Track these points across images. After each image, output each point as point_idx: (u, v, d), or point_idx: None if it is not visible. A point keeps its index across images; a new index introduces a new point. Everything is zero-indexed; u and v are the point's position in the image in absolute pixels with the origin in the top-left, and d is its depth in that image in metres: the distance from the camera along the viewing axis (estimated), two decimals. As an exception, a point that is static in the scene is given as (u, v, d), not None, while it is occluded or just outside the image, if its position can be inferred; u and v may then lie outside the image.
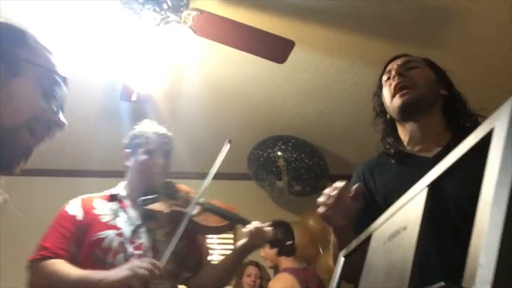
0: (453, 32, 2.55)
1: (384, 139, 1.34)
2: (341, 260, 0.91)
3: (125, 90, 2.49)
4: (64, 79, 0.77)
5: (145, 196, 1.58)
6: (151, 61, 2.18)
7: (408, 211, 0.69)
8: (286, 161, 3.48)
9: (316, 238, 3.68)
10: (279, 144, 3.51)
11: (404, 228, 0.67)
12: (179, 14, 2.11)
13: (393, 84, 1.24)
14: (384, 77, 1.33)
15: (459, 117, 1.23)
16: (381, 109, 1.35)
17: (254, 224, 1.56)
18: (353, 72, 2.91)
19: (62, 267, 1.40)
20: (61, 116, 0.77)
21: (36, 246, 1.49)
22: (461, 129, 1.19)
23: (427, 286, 0.45)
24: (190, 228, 1.57)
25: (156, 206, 1.56)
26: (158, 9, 2.08)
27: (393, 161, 1.26)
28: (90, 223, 1.52)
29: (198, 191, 1.63)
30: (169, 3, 2.07)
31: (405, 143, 1.28)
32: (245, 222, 1.59)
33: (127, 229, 1.52)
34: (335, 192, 1.22)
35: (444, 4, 2.35)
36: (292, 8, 2.34)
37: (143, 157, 1.63)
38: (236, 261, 1.59)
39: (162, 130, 1.72)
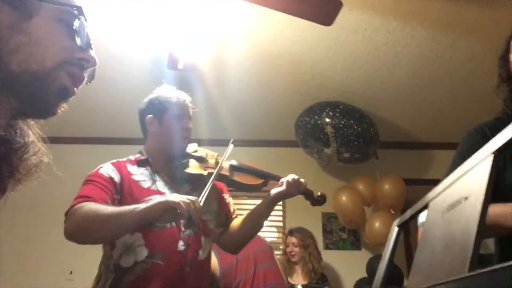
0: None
1: (509, 101, 1.29)
2: (395, 229, 0.88)
3: (172, 59, 2.50)
4: (80, 10, 0.69)
5: (173, 160, 1.60)
6: (198, 29, 2.16)
7: (470, 180, 0.64)
8: (334, 128, 3.40)
9: (365, 203, 3.63)
10: (327, 110, 3.43)
11: (466, 198, 0.62)
12: (223, -21, 2.06)
13: None
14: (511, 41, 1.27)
15: None
16: (508, 75, 1.29)
17: (291, 176, 1.58)
18: (405, 33, 2.75)
19: (98, 204, 1.38)
20: (90, 52, 0.72)
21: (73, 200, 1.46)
22: None
23: (496, 265, 0.42)
24: (217, 187, 1.66)
25: (192, 170, 1.58)
26: (202, -25, 2.04)
27: None
28: (132, 187, 1.51)
29: (226, 154, 1.66)
30: (213, -32, 2.03)
31: None
32: (277, 178, 1.62)
33: (168, 193, 1.51)
34: None
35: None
36: (340, -34, 2.22)
37: (169, 121, 1.62)
38: (268, 208, 1.60)
39: (184, 94, 1.71)
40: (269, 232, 4.06)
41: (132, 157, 1.63)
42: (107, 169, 1.53)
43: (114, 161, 1.60)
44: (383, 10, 2.55)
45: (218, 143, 3.54)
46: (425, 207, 0.77)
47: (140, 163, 1.60)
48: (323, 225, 3.98)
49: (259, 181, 1.62)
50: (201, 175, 1.56)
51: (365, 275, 3.26)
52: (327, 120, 3.41)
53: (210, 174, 1.55)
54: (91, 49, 0.72)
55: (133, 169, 1.57)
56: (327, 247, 3.91)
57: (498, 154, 0.60)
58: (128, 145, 4.07)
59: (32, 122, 0.71)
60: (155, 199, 1.39)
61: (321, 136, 3.46)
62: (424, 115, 3.69)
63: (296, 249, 3.34)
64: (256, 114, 3.81)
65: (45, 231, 3.70)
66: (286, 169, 1.87)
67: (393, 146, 4.09)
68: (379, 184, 3.61)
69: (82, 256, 3.63)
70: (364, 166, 3.80)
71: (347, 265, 3.79)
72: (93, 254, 3.56)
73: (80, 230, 1.35)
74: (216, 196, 1.66)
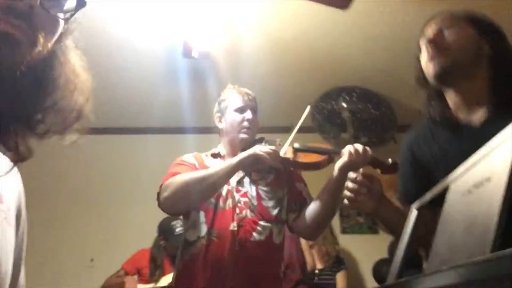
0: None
1: (429, 105, 1.27)
2: (414, 212, 0.87)
3: (187, 47, 2.50)
4: None
5: (242, 151, 1.67)
6: (211, 17, 2.16)
7: (492, 161, 0.63)
8: (351, 112, 3.37)
9: (384, 188, 3.59)
10: (343, 95, 3.40)
11: (488, 180, 0.61)
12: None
13: (427, 51, 1.19)
14: (422, 41, 1.25)
15: (504, 76, 1.12)
16: (422, 75, 1.27)
17: (353, 146, 1.57)
18: (425, 13, 2.65)
19: (190, 172, 1.58)
20: None
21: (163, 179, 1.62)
22: (506, 88, 1.10)
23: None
24: (288, 175, 1.74)
25: None
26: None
27: (439, 129, 1.21)
28: None
29: (297, 125, 1.80)
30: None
31: (452, 109, 1.21)
32: (339, 153, 1.61)
33: (233, 180, 1.64)
34: (362, 179, 1.21)
35: None
36: None
37: (232, 115, 1.76)
38: (336, 183, 1.57)
39: (245, 90, 1.84)
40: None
41: (208, 153, 1.81)
42: (188, 157, 1.73)
43: (194, 153, 1.78)
44: (400, -9, 2.50)
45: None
46: (446, 189, 0.76)
47: (213, 155, 1.79)
48: (340, 209, 3.97)
49: (322, 158, 1.64)
50: (257, 167, 1.62)
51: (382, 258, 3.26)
52: (344, 105, 3.38)
53: (265, 164, 1.61)
54: None
55: (207, 160, 1.75)
56: (344, 231, 3.90)
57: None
58: (142, 134, 4.12)
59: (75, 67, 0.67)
60: (222, 188, 1.62)
61: (338, 121, 3.44)
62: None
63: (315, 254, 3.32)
64: (272, 101, 3.79)
65: (66, 218, 3.79)
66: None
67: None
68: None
69: (103, 243, 3.73)
70: (382, 151, 3.76)
71: (364, 249, 3.79)
72: (113, 242, 3.63)
73: (182, 195, 1.52)
74: (285, 183, 1.73)
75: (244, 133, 1.74)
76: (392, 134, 3.60)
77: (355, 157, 1.51)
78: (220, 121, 1.82)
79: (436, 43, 1.17)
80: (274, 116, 4.05)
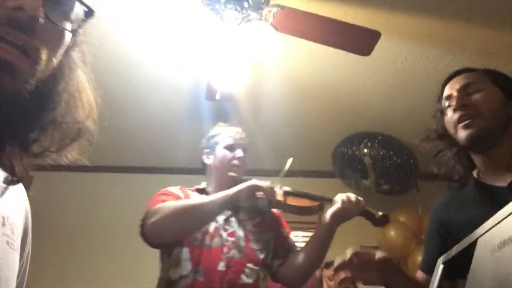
0: None
1: (455, 168, 1.22)
2: (440, 267, 0.83)
3: (210, 90, 2.55)
4: None
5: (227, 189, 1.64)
6: (234, 59, 2.21)
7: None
8: (373, 159, 3.32)
9: (407, 237, 3.47)
10: (365, 141, 3.37)
11: (520, 235, 0.58)
12: (260, 11, 2.10)
13: (455, 116, 1.13)
14: (445, 103, 1.21)
15: None
16: (444, 133, 1.22)
17: (345, 194, 1.54)
18: (446, 62, 2.69)
19: (181, 201, 1.53)
20: None
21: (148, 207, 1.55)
22: None
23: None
24: (274, 219, 1.68)
25: None
26: (239, 8, 2.09)
27: (467, 192, 1.16)
28: None
29: (282, 172, 1.76)
30: (250, 2, 2.07)
31: (478, 171, 1.16)
32: (330, 200, 1.60)
33: (220, 218, 1.59)
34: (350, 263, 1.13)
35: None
36: (377, -3, 2.22)
37: (222, 151, 1.73)
38: (327, 232, 1.54)
39: (236, 128, 1.81)
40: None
41: (194, 187, 1.77)
42: (174, 189, 1.67)
43: (178, 186, 1.73)
44: (422, 39, 2.52)
45: (255, 173, 3.54)
46: (474, 243, 0.72)
47: (198, 191, 1.74)
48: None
49: (314, 204, 1.61)
50: (254, 200, 1.57)
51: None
52: (366, 150, 3.35)
53: (262, 198, 1.57)
54: None
55: (192, 194, 1.70)
56: (365, 282, 3.75)
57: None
58: (164, 174, 4.14)
59: (82, 84, 0.63)
60: (209, 224, 1.55)
61: (359, 167, 3.39)
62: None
63: (332, 284, 3.21)
64: (293, 144, 3.79)
65: (81, 260, 3.76)
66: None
67: (434, 177, 3.93)
68: (423, 217, 3.45)
69: (118, 283, 3.67)
70: (404, 198, 3.67)
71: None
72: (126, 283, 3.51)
73: (173, 221, 1.46)
74: (272, 227, 1.68)
75: (234, 171, 1.70)
76: (414, 182, 3.52)
77: (348, 205, 1.49)
78: (208, 157, 1.78)
79: (464, 107, 1.12)
80: (296, 160, 4.01)
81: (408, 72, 2.81)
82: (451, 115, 1.16)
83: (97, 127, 0.68)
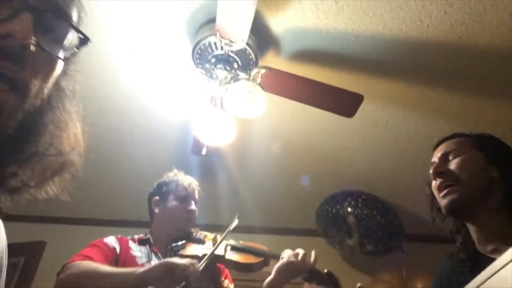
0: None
1: (453, 241, 1.22)
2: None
3: (196, 145, 2.57)
4: None
5: (172, 241, 1.61)
6: (221, 116, 2.25)
7: (503, 278, 0.60)
8: (357, 218, 3.33)
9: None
10: (349, 199, 3.39)
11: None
12: (249, 72, 2.19)
13: (436, 184, 1.16)
14: (431, 169, 1.22)
15: None
16: (436, 204, 1.22)
17: (296, 250, 1.48)
18: (427, 125, 2.79)
19: (97, 263, 1.40)
20: (19, 21, 0.47)
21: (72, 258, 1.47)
22: None
23: None
24: (216, 271, 1.62)
25: (188, 251, 1.58)
26: (229, 68, 2.17)
27: (466, 262, 1.13)
28: (126, 261, 1.55)
29: (227, 230, 1.64)
30: (239, 63, 2.16)
31: (476, 243, 1.14)
32: (277, 257, 1.54)
33: None
34: None
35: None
36: (360, 62, 2.34)
37: (173, 203, 1.68)
38: (274, 284, 1.48)
39: (191, 178, 1.78)
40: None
41: (136, 236, 1.70)
42: (111, 240, 1.60)
43: (118, 236, 1.67)
44: (404, 103, 2.62)
45: (240, 229, 3.49)
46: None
47: (140, 242, 1.67)
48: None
49: (257, 260, 1.56)
50: (194, 256, 1.53)
51: None
52: (349, 209, 3.35)
53: (204, 255, 1.53)
54: (31, 11, 0.48)
55: (133, 246, 1.64)
56: None
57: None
58: (144, 228, 4.06)
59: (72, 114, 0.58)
60: None
61: (343, 226, 3.38)
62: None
63: None
64: (277, 201, 3.79)
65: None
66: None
67: (419, 239, 3.94)
68: (408, 280, 3.39)
69: None
70: (389, 260, 3.63)
71: None
72: None
73: (75, 282, 1.34)
74: (213, 279, 1.62)
75: (184, 224, 1.66)
76: (399, 243, 3.50)
77: (294, 260, 1.45)
78: (157, 205, 1.72)
79: (442, 174, 1.13)
80: (280, 217, 4.00)
81: (391, 134, 2.89)
82: (434, 183, 1.17)
83: (82, 161, 0.63)
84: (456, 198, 1.10)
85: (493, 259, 1.06)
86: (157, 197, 1.75)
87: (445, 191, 1.12)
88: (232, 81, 2.21)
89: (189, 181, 1.75)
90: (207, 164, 3.18)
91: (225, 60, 2.11)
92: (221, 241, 1.59)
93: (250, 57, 2.12)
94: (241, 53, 2.08)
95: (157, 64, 2.43)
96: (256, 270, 1.59)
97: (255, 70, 2.18)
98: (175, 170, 1.82)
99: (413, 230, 3.71)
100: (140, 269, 1.36)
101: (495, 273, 0.61)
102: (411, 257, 3.62)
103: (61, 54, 0.54)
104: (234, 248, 1.62)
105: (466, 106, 2.57)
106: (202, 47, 2.09)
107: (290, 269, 1.46)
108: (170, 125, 2.95)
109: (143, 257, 1.60)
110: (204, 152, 2.43)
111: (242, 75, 2.19)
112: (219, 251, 1.58)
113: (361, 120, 2.75)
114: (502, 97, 2.42)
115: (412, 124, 2.79)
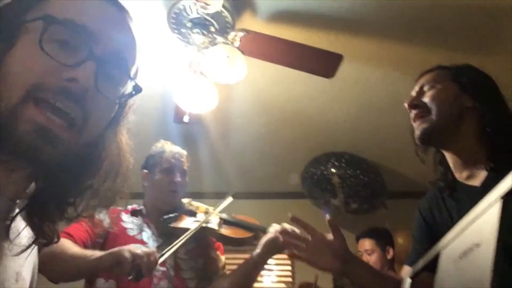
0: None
1: (435, 167, 1.27)
2: (408, 281, 0.84)
3: (178, 112, 2.54)
4: (97, 22, 0.56)
5: (163, 214, 1.60)
6: (201, 82, 2.22)
7: (480, 226, 0.62)
8: (341, 178, 3.38)
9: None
10: (333, 160, 3.43)
11: (477, 245, 0.60)
12: (226, 35, 2.14)
13: (411, 116, 1.21)
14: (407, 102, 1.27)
15: (493, 130, 1.09)
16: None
17: (280, 225, 1.49)
18: (406, 84, 2.77)
19: (69, 244, 1.40)
20: (84, 68, 0.54)
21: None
22: (501, 143, 1.07)
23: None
24: (207, 243, 1.62)
25: (179, 224, 1.57)
26: (205, 32, 2.12)
27: (446, 193, 1.19)
28: (117, 233, 1.55)
29: (218, 207, 1.65)
30: (216, 26, 2.11)
31: (453, 171, 1.19)
32: (266, 231, 1.56)
33: (152, 245, 1.54)
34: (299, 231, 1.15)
35: (502, 4, 2.21)
36: (338, 22, 2.30)
37: (159, 175, 1.66)
38: (258, 260, 1.51)
39: (177, 149, 1.73)
40: (277, 288, 3.93)
41: (129, 207, 1.69)
42: (100, 213, 1.57)
43: (111, 207, 1.61)
44: (383, 62, 2.62)
45: (223, 196, 3.51)
46: (437, 256, 0.74)
47: (133, 213, 1.66)
48: (334, 280, 3.84)
49: (249, 234, 1.57)
50: (187, 229, 1.53)
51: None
52: (333, 170, 3.40)
53: (203, 228, 1.54)
54: (95, 60, 0.56)
55: (125, 217, 1.63)
56: (339, 304, 3.74)
57: (507, 198, 0.58)
58: (134, 199, 4.05)
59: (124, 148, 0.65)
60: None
61: (328, 187, 3.44)
62: (430, 165, 3.67)
63: None
64: (262, 166, 3.81)
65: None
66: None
67: (401, 196, 4.04)
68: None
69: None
70: (373, 217, 3.73)
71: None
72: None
73: (46, 264, 1.31)
74: (204, 252, 1.63)
75: (170, 196, 1.64)
76: (382, 200, 3.59)
77: (282, 236, 1.44)
78: (145, 178, 1.71)
79: (415, 106, 1.18)
80: (266, 182, 4.04)
81: (371, 93, 2.90)
82: (411, 115, 1.22)
83: None
84: (426, 127, 1.15)
85: (467, 185, 1.12)
86: (145, 170, 1.72)
87: (417, 122, 1.17)
88: (210, 45, 2.16)
89: (174, 153, 1.70)
90: (190, 132, 3.16)
91: (201, 24, 2.06)
92: (205, 220, 1.57)
93: (227, 19, 2.07)
94: (217, 16, 2.03)
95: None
96: (248, 244, 1.60)
97: (232, 34, 2.13)
98: (162, 141, 1.77)
99: (395, 187, 3.80)
100: (94, 256, 1.32)
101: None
102: (393, 214, 3.73)
103: (116, 99, 0.61)
104: (226, 222, 1.62)
105: (446, 63, 2.57)
106: (177, 10, 2.03)
107: (276, 244, 1.47)
108: (150, 95, 2.90)
109: (134, 229, 1.59)
110: (186, 119, 2.41)
111: (219, 39, 2.15)
112: (212, 225, 1.58)
113: (342, 81, 2.74)
114: (482, 53, 2.43)
115: (392, 83, 2.79)
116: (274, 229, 1.49)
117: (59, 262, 1.33)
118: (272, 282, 3.94)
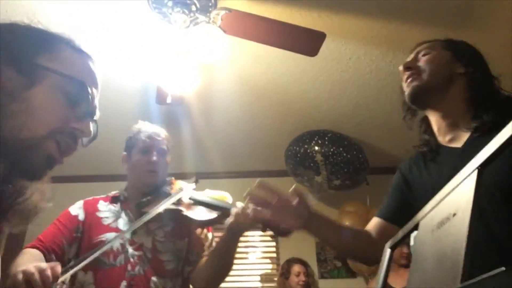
0: (494, 13, 2.42)
1: (420, 135, 1.31)
2: (387, 251, 0.88)
3: (160, 94, 2.53)
4: (94, 85, 0.74)
5: (144, 196, 1.58)
6: (183, 62, 2.20)
7: (457, 196, 0.65)
8: (324, 156, 3.43)
9: (357, 225, 3.60)
10: (316, 138, 3.47)
11: (454, 215, 0.63)
12: (208, 14, 2.12)
13: (404, 78, 1.26)
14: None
15: (480, 96, 1.16)
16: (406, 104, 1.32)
17: (241, 204, 1.45)
18: (388, 61, 2.83)
19: (26, 255, 1.39)
20: (88, 124, 0.73)
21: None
22: (485, 108, 1.12)
23: (485, 274, 0.42)
24: (187, 223, 1.57)
25: (151, 208, 1.53)
26: (187, 11, 2.09)
27: (428, 156, 1.24)
28: (92, 225, 1.55)
29: (187, 186, 1.61)
30: (197, 5, 2.09)
31: (437, 135, 1.25)
32: (229, 212, 1.49)
33: (127, 232, 1.52)
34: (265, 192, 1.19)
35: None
36: (320, 0, 2.30)
37: (137, 156, 1.64)
38: (227, 243, 1.49)
39: (155, 129, 1.69)
40: (262, 264, 4.00)
41: (111, 194, 1.67)
42: (76, 207, 1.60)
43: (90, 198, 1.65)
44: (365, 40, 2.63)
45: (207, 176, 3.52)
46: (416, 227, 0.78)
47: (112, 200, 1.65)
48: (317, 254, 3.94)
49: (214, 215, 1.51)
50: (157, 214, 1.50)
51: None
52: (316, 148, 3.44)
53: (167, 210, 1.50)
54: (92, 119, 0.74)
55: (102, 206, 1.61)
56: (322, 276, 3.85)
57: (482, 169, 0.61)
58: (117, 182, 4.04)
59: None
60: (109, 236, 1.48)
61: (311, 164, 3.48)
62: (411, 140, 3.74)
63: (304, 278, 3.21)
64: (245, 146, 3.83)
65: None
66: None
67: (382, 171, 4.12)
68: (371, 209, 3.60)
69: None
70: (354, 192, 3.81)
71: (344, 293, 3.74)
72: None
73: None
74: (186, 233, 1.60)
75: (148, 177, 1.61)
76: (364, 176, 3.66)
77: (240, 217, 1.39)
78: (125, 161, 1.68)
79: (409, 68, 1.23)
80: (249, 161, 4.07)
81: (354, 71, 2.92)
82: (403, 78, 1.26)
83: None
84: (416, 85, 1.20)
85: (449, 147, 1.17)
86: (125, 153, 1.69)
87: (408, 81, 1.23)
88: (191, 25, 2.14)
89: (150, 132, 1.66)
90: (172, 114, 3.14)
91: (182, 3, 2.04)
92: (166, 205, 1.53)
93: (209, -2, 2.05)
94: (198, -6, 2.00)
95: (112, 13, 2.31)
96: (214, 224, 1.56)
97: (214, 12, 2.12)
98: (140, 122, 1.73)
99: (376, 163, 3.87)
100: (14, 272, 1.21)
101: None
102: (374, 189, 3.81)
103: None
104: (196, 201, 1.56)
105: (425, 38, 2.61)
106: (157, -11, 2.00)
107: (237, 226, 1.43)
108: (131, 76, 2.86)
109: (109, 217, 1.58)
110: (169, 100, 2.39)
111: (201, 18, 2.13)
112: (180, 207, 1.53)
113: (324, 59, 2.76)
114: (464, 30, 2.46)
115: (373, 60, 2.82)
116: (234, 210, 1.43)
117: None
118: (257, 258, 4.02)
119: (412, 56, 1.28)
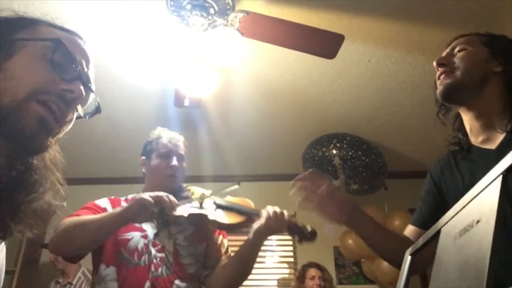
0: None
1: (453, 132, 1.26)
2: (408, 258, 0.86)
3: (178, 96, 2.54)
4: (59, 43, 0.69)
5: None
6: (201, 65, 2.21)
7: (481, 202, 0.62)
8: (342, 159, 3.39)
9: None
10: (334, 142, 3.43)
11: (477, 222, 0.61)
12: (226, 17, 2.12)
13: (437, 74, 1.21)
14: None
15: None
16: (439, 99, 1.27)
17: (272, 208, 1.48)
18: (407, 63, 2.78)
19: (80, 217, 1.44)
20: (78, 86, 0.70)
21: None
22: None
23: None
24: (208, 228, 1.60)
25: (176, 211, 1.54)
26: (205, 14, 2.10)
27: (459, 156, 1.20)
28: None
29: (214, 192, 1.64)
30: (216, 8, 2.09)
31: (469, 135, 1.20)
32: (259, 215, 1.52)
33: (150, 232, 1.55)
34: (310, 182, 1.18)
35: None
36: (339, 2, 2.28)
37: (156, 161, 1.68)
38: (251, 247, 1.51)
39: (174, 134, 1.75)
40: (280, 269, 3.98)
41: (129, 196, 1.70)
42: (103, 201, 1.62)
43: (112, 197, 1.67)
44: (385, 42, 2.60)
45: (224, 179, 3.52)
46: (437, 233, 0.75)
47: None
48: (335, 259, 3.89)
49: (241, 220, 1.53)
50: (180, 216, 1.51)
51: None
52: (335, 151, 3.41)
53: (191, 215, 1.51)
54: (85, 85, 0.72)
55: (124, 204, 1.62)
56: (340, 282, 3.80)
57: (507, 174, 0.59)
58: (136, 184, 4.07)
59: (52, 164, 0.72)
60: (134, 235, 1.51)
61: (329, 168, 3.45)
62: (431, 143, 3.67)
63: (321, 283, 3.18)
64: (263, 149, 3.82)
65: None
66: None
67: (401, 176, 4.05)
68: (388, 220, 3.50)
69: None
70: (372, 198, 3.75)
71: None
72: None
73: (63, 237, 1.39)
74: (205, 237, 1.62)
75: (168, 181, 1.64)
76: (382, 181, 3.60)
77: (271, 221, 1.44)
78: (144, 164, 1.73)
79: (443, 65, 1.19)
80: (266, 164, 4.06)
81: (372, 74, 2.88)
82: (437, 74, 1.22)
83: (65, 140, 0.75)
84: (449, 82, 1.16)
85: (482, 148, 1.13)
86: (143, 157, 1.74)
87: (441, 78, 1.18)
88: (209, 28, 2.14)
89: (170, 137, 1.71)
90: (190, 116, 3.16)
91: (201, 6, 2.04)
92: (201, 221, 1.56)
93: (227, 1, 2.05)
94: (216, -3, 2.01)
95: (131, 16, 2.34)
96: (240, 229, 1.57)
97: (232, 15, 2.11)
98: (159, 128, 1.78)
99: (395, 167, 3.81)
100: (118, 209, 1.40)
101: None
102: (393, 193, 3.75)
103: (81, 114, 0.76)
104: (220, 207, 1.59)
105: (446, 40, 2.56)
106: (176, -8, 2.01)
107: (267, 229, 1.46)
108: (150, 79, 2.89)
109: None
110: (186, 103, 2.40)
111: (219, 21, 2.13)
112: (205, 211, 1.55)
113: (343, 62, 2.73)
114: (482, 29, 2.40)
115: (393, 62, 2.78)
116: (265, 213, 1.46)
117: (80, 228, 1.38)
118: (274, 262, 3.99)
119: (447, 51, 1.24)
